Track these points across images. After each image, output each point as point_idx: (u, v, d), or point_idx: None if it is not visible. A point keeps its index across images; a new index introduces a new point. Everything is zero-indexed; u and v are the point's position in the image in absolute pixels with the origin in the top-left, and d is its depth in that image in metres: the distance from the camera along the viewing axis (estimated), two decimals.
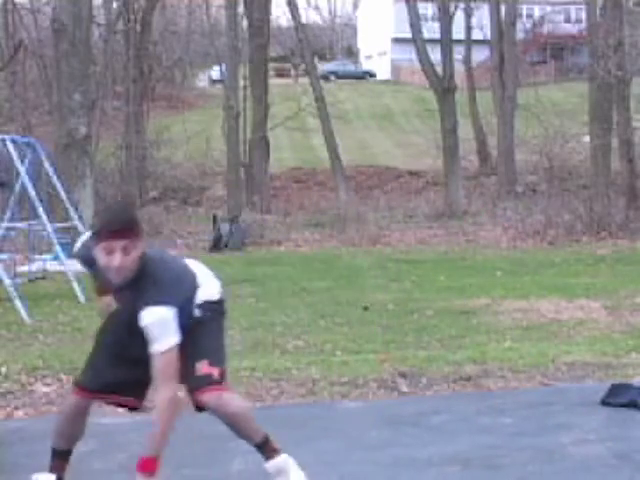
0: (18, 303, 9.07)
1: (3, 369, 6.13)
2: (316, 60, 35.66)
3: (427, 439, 4.56)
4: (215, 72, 43.07)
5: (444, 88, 23.36)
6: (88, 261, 3.62)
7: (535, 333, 7.84)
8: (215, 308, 3.75)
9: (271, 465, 3.71)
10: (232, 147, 23.45)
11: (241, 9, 25.77)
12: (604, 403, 5.12)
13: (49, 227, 10.93)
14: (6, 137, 11.16)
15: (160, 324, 3.40)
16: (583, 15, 28.61)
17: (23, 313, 8.91)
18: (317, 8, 74.84)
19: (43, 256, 11.88)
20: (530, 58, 44.60)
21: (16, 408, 5.34)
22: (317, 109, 24.67)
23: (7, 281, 9.52)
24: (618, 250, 15.29)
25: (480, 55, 35.91)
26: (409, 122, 39.65)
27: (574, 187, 22.02)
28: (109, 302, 3.87)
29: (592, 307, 9.16)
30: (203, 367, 3.59)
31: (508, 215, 20.34)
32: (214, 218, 17.46)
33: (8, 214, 11.31)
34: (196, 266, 3.76)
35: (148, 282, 3.42)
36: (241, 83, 25.05)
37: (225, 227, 17.05)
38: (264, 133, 24.21)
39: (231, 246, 16.63)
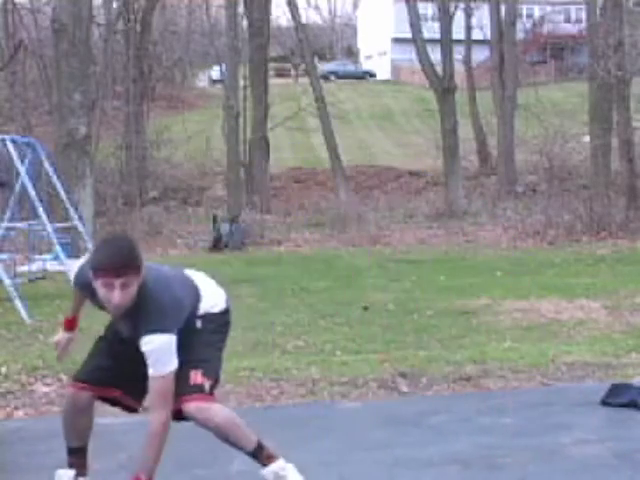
0: (18, 303, 9.07)
1: (3, 369, 6.14)
2: (316, 60, 35.66)
3: (427, 439, 4.56)
4: (215, 72, 43.06)
5: (444, 88, 23.36)
6: (86, 287, 3.58)
7: (535, 333, 7.84)
8: (218, 319, 3.73)
9: (268, 472, 3.67)
10: (232, 147, 23.46)
11: (241, 9, 25.77)
12: (604, 403, 5.12)
13: (49, 227, 10.93)
14: (6, 137, 11.15)
15: (160, 351, 3.40)
16: (583, 15, 28.61)
17: (23, 313, 8.91)
18: (317, 8, 74.93)
19: (43, 256, 11.87)
20: (530, 58, 44.59)
21: (16, 408, 5.34)
22: (317, 109, 24.66)
23: (7, 281, 9.52)
24: (618, 250, 15.29)
25: (480, 55, 35.90)
26: (409, 122, 39.64)
27: (574, 187, 22.02)
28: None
29: (592, 307, 9.16)
30: (197, 376, 3.58)
31: (508, 215, 20.35)
32: (214, 218, 17.46)
33: (8, 214, 11.31)
34: (198, 277, 3.74)
35: (149, 307, 3.41)
36: (241, 83, 25.06)
37: (225, 227, 17.05)
38: (264, 133, 24.21)
39: (231, 246, 16.62)
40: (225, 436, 3.63)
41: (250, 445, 3.65)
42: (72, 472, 3.78)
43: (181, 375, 3.52)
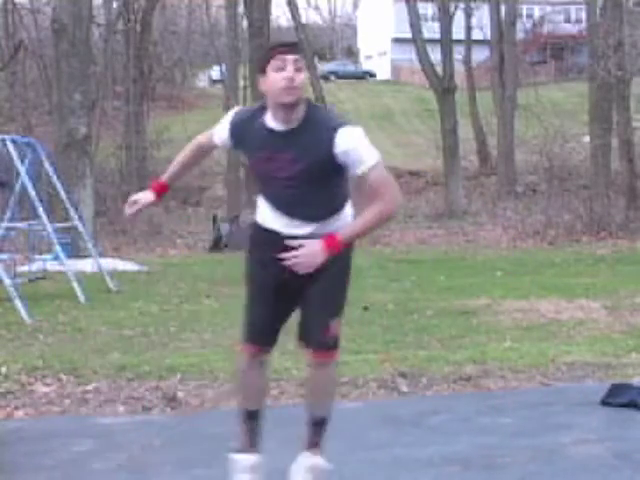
0: (18, 303, 9.07)
1: (3, 369, 6.13)
2: (316, 60, 35.65)
3: (427, 439, 4.56)
4: (215, 72, 43.07)
5: (444, 88, 23.37)
6: (242, 125, 3.43)
7: (535, 333, 7.84)
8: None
9: (308, 456, 3.67)
10: None
11: (241, 9, 25.78)
12: (604, 403, 5.12)
13: (49, 227, 10.93)
14: (6, 137, 11.14)
15: (363, 140, 3.27)
16: (583, 15, 28.61)
17: (23, 313, 8.91)
18: (317, 8, 74.92)
19: (43, 256, 11.87)
20: (530, 58, 44.57)
21: (16, 408, 5.34)
22: None
23: (7, 281, 9.51)
24: (618, 250, 15.29)
25: (480, 55, 35.90)
26: (409, 122, 39.65)
27: (574, 187, 22.02)
28: None
29: (592, 307, 9.16)
30: (335, 327, 3.50)
31: (508, 215, 20.37)
32: (214, 218, 17.47)
33: (8, 214, 11.31)
34: None
35: (324, 114, 3.33)
36: (241, 83, 25.06)
37: (225, 227, 17.06)
38: None
39: (231, 246, 16.63)
40: (334, 390, 3.69)
41: (328, 414, 3.71)
42: (253, 458, 3.68)
43: (317, 321, 3.47)
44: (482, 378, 5.91)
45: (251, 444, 3.70)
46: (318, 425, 3.71)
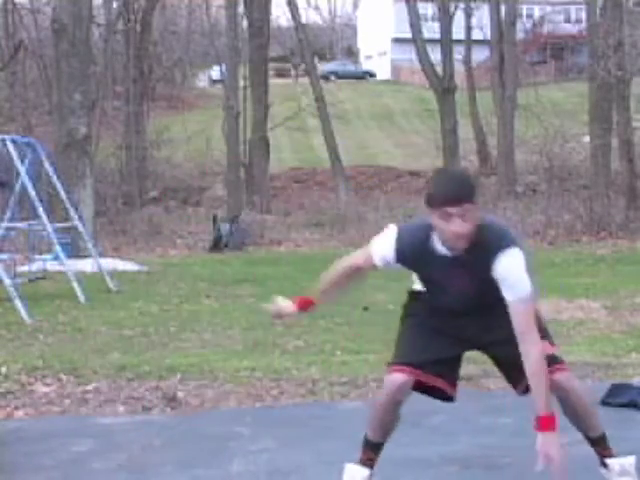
0: (18, 303, 9.07)
1: (3, 369, 6.13)
2: (316, 60, 35.67)
3: (427, 439, 4.56)
4: (215, 72, 43.04)
5: (444, 88, 23.37)
6: (409, 250, 3.37)
7: None
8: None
9: (614, 462, 3.57)
10: (232, 147, 23.45)
11: (241, 9, 25.77)
12: (604, 403, 5.12)
13: (49, 227, 10.93)
14: (6, 137, 11.15)
15: (518, 267, 3.23)
16: (583, 15, 28.61)
17: (23, 313, 8.91)
18: (317, 8, 74.91)
19: (43, 256, 11.87)
20: (530, 58, 44.55)
21: (16, 408, 5.34)
22: (317, 109, 24.67)
23: (7, 281, 9.51)
24: (618, 250, 15.29)
25: (480, 55, 35.89)
26: (409, 122, 39.64)
27: (574, 187, 22.01)
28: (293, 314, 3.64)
29: (592, 307, 9.17)
30: (547, 346, 3.44)
31: (508, 215, 20.32)
32: (214, 218, 17.46)
33: (8, 214, 11.31)
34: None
35: (490, 234, 3.26)
36: (241, 83, 25.06)
37: (225, 227, 17.05)
38: (264, 133, 24.21)
39: (231, 246, 16.63)
40: (584, 406, 3.50)
41: (599, 430, 3.56)
42: (367, 471, 3.56)
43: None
44: (482, 378, 5.91)
45: (368, 465, 3.59)
46: (594, 442, 3.62)
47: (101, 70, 26.73)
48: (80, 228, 11.98)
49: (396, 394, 3.42)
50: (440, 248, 3.30)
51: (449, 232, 3.18)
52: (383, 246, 3.43)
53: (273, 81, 32.92)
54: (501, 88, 26.78)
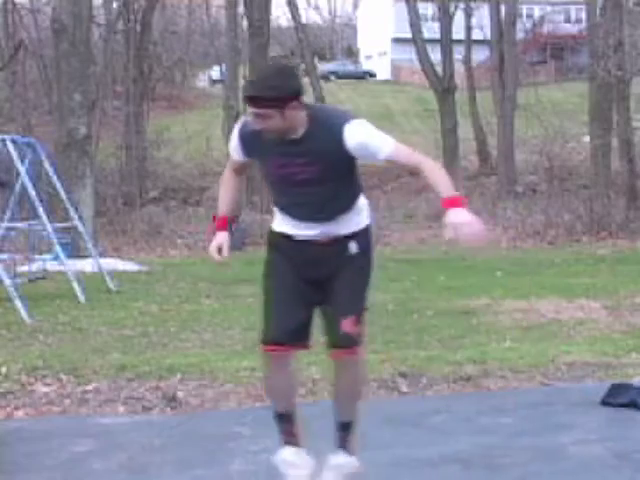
0: (18, 303, 9.07)
1: (3, 369, 6.13)
2: (316, 60, 35.67)
3: (427, 439, 4.56)
4: (215, 72, 43.03)
5: (444, 88, 23.39)
6: (249, 138, 3.43)
7: (535, 333, 7.84)
8: (369, 238, 3.63)
9: (338, 457, 3.62)
10: None
11: (241, 9, 25.77)
12: (604, 403, 5.12)
13: (49, 227, 10.93)
14: (6, 137, 11.14)
15: (372, 130, 3.29)
16: (583, 15, 28.59)
17: (23, 313, 8.91)
18: (317, 8, 74.63)
19: (43, 256, 11.87)
20: (530, 58, 44.52)
21: (16, 408, 5.34)
22: None
23: (7, 281, 9.52)
24: (618, 250, 15.29)
25: (480, 55, 35.86)
26: (409, 122, 39.62)
27: (574, 187, 22.01)
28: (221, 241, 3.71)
29: (592, 307, 9.16)
30: (351, 324, 3.50)
31: (508, 215, 20.34)
32: (214, 218, 17.45)
33: (8, 214, 11.30)
34: None
35: (329, 114, 3.35)
36: (241, 83, 25.04)
37: None
38: None
39: (231, 246, 16.62)
40: (354, 391, 3.57)
41: (353, 417, 3.62)
42: (294, 449, 3.60)
43: (332, 319, 3.47)
44: (482, 378, 5.91)
45: (290, 443, 3.63)
46: (343, 430, 3.65)
47: (101, 70, 26.70)
48: (80, 228, 11.97)
49: (279, 366, 3.53)
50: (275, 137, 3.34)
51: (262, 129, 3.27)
52: (233, 139, 3.54)
53: None
54: (501, 88, 26.77)
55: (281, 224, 3.61)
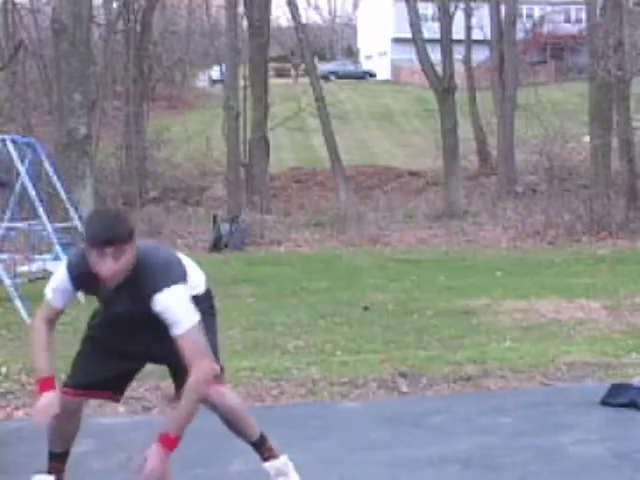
0: (18, 303, 9.07)
1: (3, 369, 6.13)
2: (316, 60, 35.67)
3: (427, 439, 4.56)
4: (215, 72, 43.05)
5: (444, 88, 23.35)
6: (82, 275, 3.50)
7: (535, 333, 7.85)
8: (203, 301, 3.64)
9: (270, 466, 3.72)
10: (232, 147, 23.44)
11: (241, 9, 25.76)
12: (604, 403, 5.12)
13: (49, 227, 10.93)
14: (6, 137, 11.15)
15: (176, 305, 3.33)
16: (583, 15, 28.59)
17: (23, 313, 8.91)
18: (317, 8, 74.70)
19: (43, 256, 11.86)
20: (530, 58, 44.54)
21: (16, 408, 5.34)
22: (317, 109, 24.64)
23: (7, 281, 9.52)
24: (618, 250, 15.29)
25: (480, 55, 35.87)
26: (409, 122, 39.63)
27: (574, 187, 22.01)
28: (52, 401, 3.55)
29: (592, 307, 9.17)
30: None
31: (508, 215, 20.33)
32: (214, 218, 17.45)
33: (8, 214, 11.30)
34: (183, 259, 3.69)
35: (147, 270, 3.37)
36: (241, 83, 25.05)
37: (225, 227, 17.04)
38: (264, 133, 24.19)
39: (231, 246, 16.62)
40: (235, 420, 3.66)
41: (255, 435, 3.71)
42: (51, 478, 3.72)
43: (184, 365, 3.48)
44: (482, 378, 5.92)
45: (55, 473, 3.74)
46: (257, 447, 3.77)
47: (101, 70, 26.72)
48: (80, 228, 11.96)
49: (65, 409, 3.56)
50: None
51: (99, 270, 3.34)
52: (56, 281, 3.58)
53: (273, 81, 32.93)
54: (501, 88, 26.76)
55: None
